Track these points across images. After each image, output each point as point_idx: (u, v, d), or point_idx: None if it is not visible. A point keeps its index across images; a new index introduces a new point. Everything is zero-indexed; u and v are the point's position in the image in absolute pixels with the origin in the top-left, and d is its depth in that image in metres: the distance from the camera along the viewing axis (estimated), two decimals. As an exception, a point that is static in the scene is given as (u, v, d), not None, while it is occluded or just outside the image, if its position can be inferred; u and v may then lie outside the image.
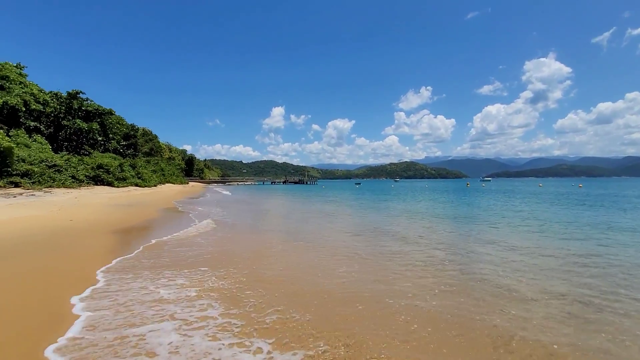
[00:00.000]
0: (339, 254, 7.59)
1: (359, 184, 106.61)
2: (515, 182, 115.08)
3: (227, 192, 45.15)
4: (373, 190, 56.66)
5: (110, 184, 33.55)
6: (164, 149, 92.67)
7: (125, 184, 36.07)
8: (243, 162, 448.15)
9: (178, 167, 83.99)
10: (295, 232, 11.43)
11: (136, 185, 38.66)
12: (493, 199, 29.36)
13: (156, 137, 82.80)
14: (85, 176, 30.74)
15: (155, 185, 44.88)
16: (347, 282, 5.48)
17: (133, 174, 40.07)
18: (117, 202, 20.90)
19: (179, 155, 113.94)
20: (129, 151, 52.84)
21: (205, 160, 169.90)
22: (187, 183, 76.02)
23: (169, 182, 56.94)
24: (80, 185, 28.45)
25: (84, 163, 32.26)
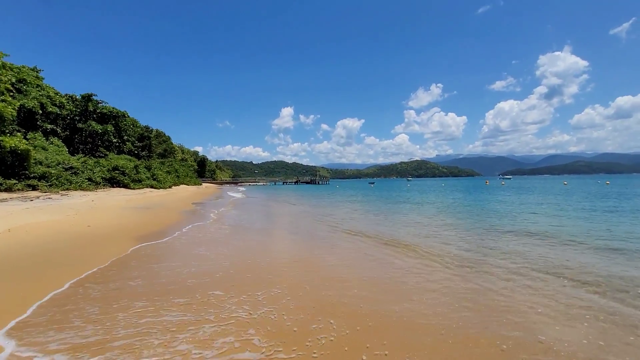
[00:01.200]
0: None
1: (373, 183, 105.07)
2: (534, 180, 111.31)
3: (243, 194, 44.37)
4: (390, 189, 55.17)
5: (126, 186, 33.11)
6: (177, 150, 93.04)
7: (140, 186, 35.62)
8: (253, 162, 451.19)
9: (191, 168, 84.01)
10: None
11: (151, 186, 38.22)
12: (538, 200, 27.66)
13: (169, 138, 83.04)
14: (102, 178, 30.33)
15: (170, 187, 44.46)
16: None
17: (148, 175, 39.66)
18: (135, 204, 20.18)
19: (191, 156, 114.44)
20: (144, 153, 52.70)
21: (216, 161, 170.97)
22: (201, 184, 75.86)
23: (183, 183, 56.61)
24: (96, 188, 28.01)
25: (100, 165, 31.88)
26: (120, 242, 8.63)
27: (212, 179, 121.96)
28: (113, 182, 32.11)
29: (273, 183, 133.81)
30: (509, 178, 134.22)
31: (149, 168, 41.70)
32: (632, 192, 32.39)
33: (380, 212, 18.45)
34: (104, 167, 32.02)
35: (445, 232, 10.90)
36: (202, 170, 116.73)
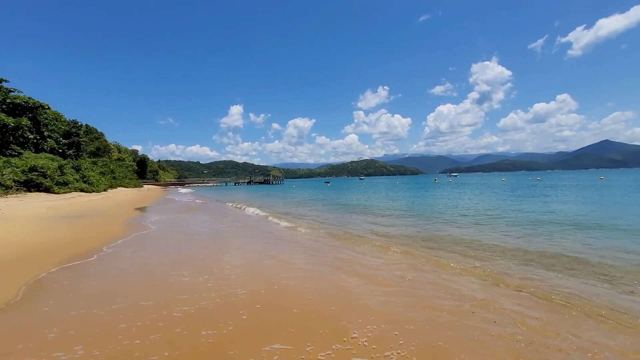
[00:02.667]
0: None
1: (329, 182, 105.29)
2: (474, 177, 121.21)
3: (193, 197, 40.61)
4: (349, 189, 55.04)
5: (48, 190, 27.78)
6: (113, 149, 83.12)
7: (67, 190, 30.29)
8: (201, 162, 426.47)
9: (129, 169, 75.75)
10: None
11: (81, 190, 32.80)
12: (502, 195, 28.86)
13: (102, 135, 73.94)
14: (14, 181, 24.93)
15: (105, 190, 38.86)
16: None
17: (77, 177, 34.03)
18: (60, 212, 16.45)
19: (130, 155, 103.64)
20: (71, 151, 45.62)
21: (159, 161, 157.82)
22: (142, 186, 68.68)
23: (121, 185, 50.30)
24: (6, 193, 22.84)
25: (11, 165, 26.26)
26: (35, 266, 6.15)
27: (155, 180, 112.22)
28: (30, 186, 26.68)
29: (224, 184, 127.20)
30: (456, 176, 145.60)
31: (77, 169, 35.88)
32: (561, 184, 36.38)
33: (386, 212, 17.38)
34: (18, 168, 26.46)
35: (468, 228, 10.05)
36: (143, 171, 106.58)
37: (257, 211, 18.40)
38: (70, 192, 30.54)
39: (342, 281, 5.54)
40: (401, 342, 3.38)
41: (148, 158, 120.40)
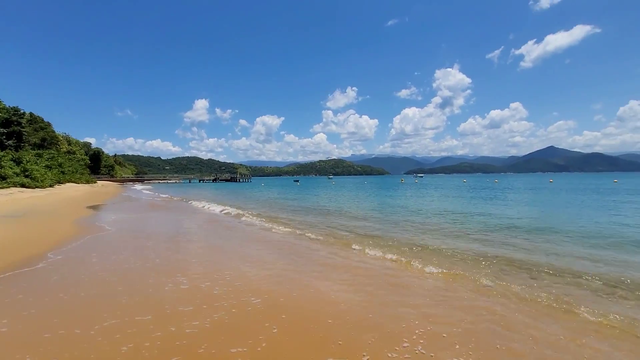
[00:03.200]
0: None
1: (298, 181, 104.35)
2: (438, 179, 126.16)
3: (153, 194, 38.00)
4: (319, 188, 54.66)
5: (-21, 185, 24.37)
6: (62, 140, 75.72)
7: (5, 185, 26.80)
8: (162, 158, 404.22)
9: (81, 163, 69.64)
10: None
11: (23, 185, 29.20)
12: (476, 195, 29.67)
13: (49, 125, 67.05)
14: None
15: (51, 186, 35.02)
16: None
17: (17, 170, 30.27)
18: (-7, 211, 14.25)
19: (81, 149, 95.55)
20: (10, 142, 40.65)
21: (115, 155, 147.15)
22: (95, 182, 63.34)
23: (70, 181, 45.79)
24: None
25: None
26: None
27: (111, 175, 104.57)
28: (-43, 180, 23.21)
29: (187, 181, 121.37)
30: (422, 177, 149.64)
31: (18, 161, 31.94)
32: (519, 187, 38.72)
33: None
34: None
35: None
36: (97, 165, 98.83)
37: (236, 211, 17.24)
38: (9, 187, 27.05)
39: (368, 286, 5.02)
40: (457, 346, 3.21)
41: (103, 152, 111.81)
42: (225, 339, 3.26)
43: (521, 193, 29.99)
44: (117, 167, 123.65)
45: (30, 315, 3.82)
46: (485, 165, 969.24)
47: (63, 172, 44.30)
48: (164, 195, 32.60)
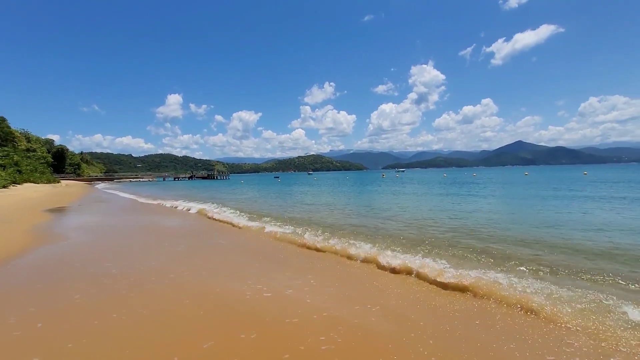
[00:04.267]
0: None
1: (278, 177, 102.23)
2: (419, 173, 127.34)
3: (130, 194, 35.13)
4: (301, 184, 53.15)
5: None
6: (19, 137, 69.36)
7: (-54, 187, 23.38)
8: (133, 155, 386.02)
9: (42, 161, 64.17)
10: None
11: (-31, 187, 25.72)
12: (460, 189, 29.20)
13: (4, 120, 61.14)
14: None
15: (5, 187, 31.37)
16: None
17: (-37, 170, 26.66)
18: None
19: (43, 146, 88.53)
20: (-45, 138, 36.17)
21: (82, 153, 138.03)
22: (59, 182, 58.39)
23: (29, 180, 41.57)
24: None
25: None
26: None
27: (77, 174, 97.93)
28: None
29: (161, 179, 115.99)
30: (403, 171, 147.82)
31: (-36, 160, 28.20)
32: (497, 180, 39.23)
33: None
34: None
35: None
36: (61, 164, 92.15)
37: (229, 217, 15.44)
38: (-49, 189, 23.61)
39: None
40: None
41: (67, 149, 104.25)
42: None
43: (514, 187, 29.95)
44: (83, 165, 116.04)
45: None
46: (459, 159, 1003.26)
47: (20, 172, 40.06)
48: (130, 196, 29.97)
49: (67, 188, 42.40)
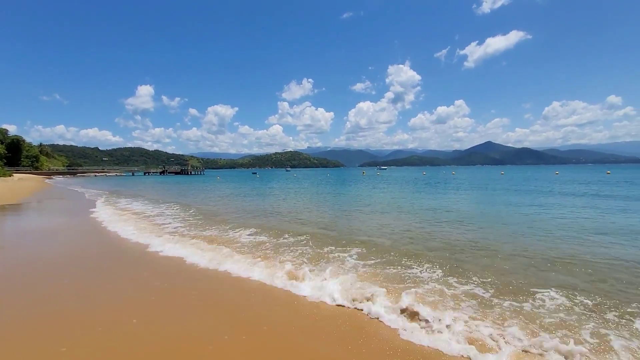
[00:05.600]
0: None
1: (256, 173, 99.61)
2: (399, 172, 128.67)
3: (85, 190, 32.35)
4: (280, 180, 51.61)
5: None
6: (-35, 126, 62.68)
7: None
8: (100, 148, 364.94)
9: (-7, 153, 58.41)
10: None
11: None
12: (455, 189, 28.88)
13: (-54, 106, 54.81)
14: None
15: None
16: None
17: None
18: None
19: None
20: None
21: (41, 145, 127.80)
22: (11, 175, 53.26)
23: (-27, 174, 37.29)
24: None
25: None
26: None
27: (34, 168, 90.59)
28: None
29: (130, 174, 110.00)
30: (385, 169, 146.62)
31: None
32: (478, 179, 39.80)
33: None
34: None
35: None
36: (16, 156, 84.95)
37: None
38: None
39: None
40: None
41: (24, 140, 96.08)
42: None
43: (512, 185, 30.16)
44: (42, 158, 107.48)
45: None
46: (433, 158, 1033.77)
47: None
48: (77, 189, 27.48)
49: (19, 182, 38.44)
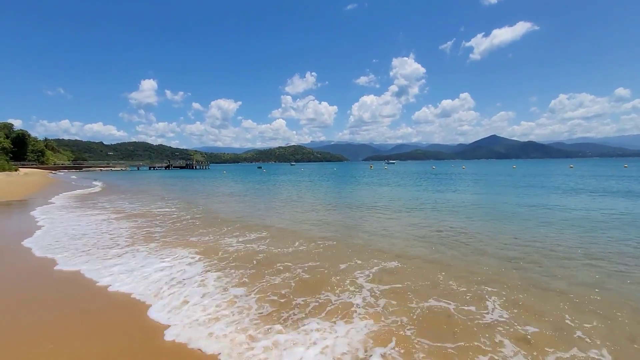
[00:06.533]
0: None
1: (261, 167, 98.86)
2: (406, 166, 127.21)
3: (94, 185, 31.54)
4: (287, 173, 50.60)
5: None
6: (-30, 120, 62.09)
7: None
8: (104, 143, 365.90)
9: (-2, 148, 57.88)
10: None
11: None
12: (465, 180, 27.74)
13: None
14: None
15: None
16: None
17: None
18: None
19: (1, 131, 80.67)
20: None
21: (46, 139, 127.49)
22: (16, 170, 52.67)
23: (-21, 169, 36.64)
24: None
25: None
26: None
27: (40, 162, 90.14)
28: None
29: (135, 168, 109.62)
30: (393, 163, 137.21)
31: None
32: (492, 173, 38.34)
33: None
34: None
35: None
36: (22, 150, 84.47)
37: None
38: None
39: None
40: None
41: (29, 135, 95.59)
42: None
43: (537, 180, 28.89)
44: (48, 152, 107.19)
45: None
46: (437, 152, 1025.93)
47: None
48: (109, 189, 26.65)
49: (25, 177, 37.76)
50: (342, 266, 5.67)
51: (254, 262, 5.99)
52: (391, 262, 5.88)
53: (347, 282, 4.91)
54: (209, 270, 5.51)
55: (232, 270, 5.49)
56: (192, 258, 6.29)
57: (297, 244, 7.33)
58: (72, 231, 9.07)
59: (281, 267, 5.65)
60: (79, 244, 7.62)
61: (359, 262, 5.90)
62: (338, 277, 5.11)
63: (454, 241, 7.43)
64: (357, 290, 4.60)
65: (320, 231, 8.81)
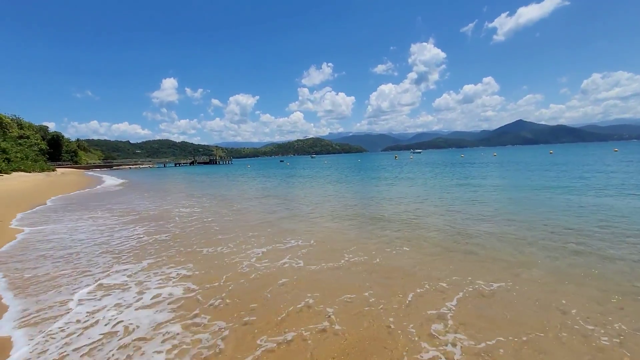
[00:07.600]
0: None
1: (283, 160, 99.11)
2: (433, 155, 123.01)
3: (130, 183, 32.06)
4: (310, 167, 50.01)
5: None
6: (10, 124, 65.48)
7: None
8: (131, 142, 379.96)
9: (34, 149, 60.76)
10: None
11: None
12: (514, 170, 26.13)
13: (-9, 105, 57.12)
14: None
15: (-9, 177, 28.19)
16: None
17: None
18: None
19: (37, 133, 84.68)
20: None
21: (78, 140, 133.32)
22: (53, 170, 55.08)
23: (18, 169, 38.31)
24: None
25: None
26: None
27: (74, 162, 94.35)
28: None
29: (162, 165, 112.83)
30: (419, 152, 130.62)
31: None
32: (526, 161, 35.58)
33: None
34: None
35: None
36: (57, 151, 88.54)
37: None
38: None
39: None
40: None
41: (63, 136, 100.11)
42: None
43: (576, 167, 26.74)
44: (80, 152, 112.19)
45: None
46: (459, 140, 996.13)
47: (8, 160, 36.69)
48: (153, 190, 26.89)
49: (62, 177, 39.16)
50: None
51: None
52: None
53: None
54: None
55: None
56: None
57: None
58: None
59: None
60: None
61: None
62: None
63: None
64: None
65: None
